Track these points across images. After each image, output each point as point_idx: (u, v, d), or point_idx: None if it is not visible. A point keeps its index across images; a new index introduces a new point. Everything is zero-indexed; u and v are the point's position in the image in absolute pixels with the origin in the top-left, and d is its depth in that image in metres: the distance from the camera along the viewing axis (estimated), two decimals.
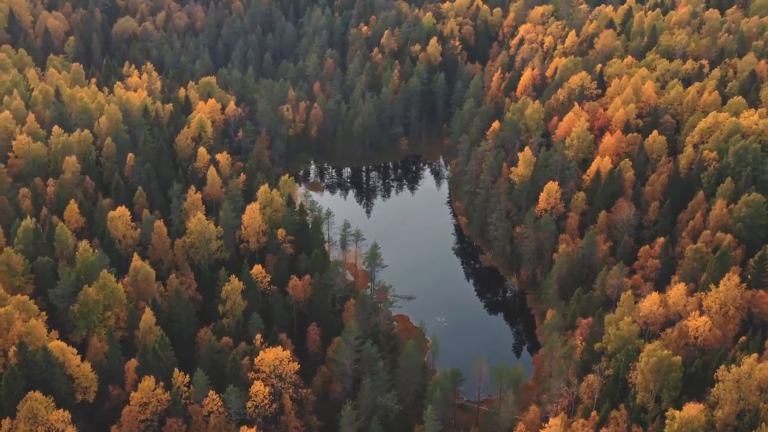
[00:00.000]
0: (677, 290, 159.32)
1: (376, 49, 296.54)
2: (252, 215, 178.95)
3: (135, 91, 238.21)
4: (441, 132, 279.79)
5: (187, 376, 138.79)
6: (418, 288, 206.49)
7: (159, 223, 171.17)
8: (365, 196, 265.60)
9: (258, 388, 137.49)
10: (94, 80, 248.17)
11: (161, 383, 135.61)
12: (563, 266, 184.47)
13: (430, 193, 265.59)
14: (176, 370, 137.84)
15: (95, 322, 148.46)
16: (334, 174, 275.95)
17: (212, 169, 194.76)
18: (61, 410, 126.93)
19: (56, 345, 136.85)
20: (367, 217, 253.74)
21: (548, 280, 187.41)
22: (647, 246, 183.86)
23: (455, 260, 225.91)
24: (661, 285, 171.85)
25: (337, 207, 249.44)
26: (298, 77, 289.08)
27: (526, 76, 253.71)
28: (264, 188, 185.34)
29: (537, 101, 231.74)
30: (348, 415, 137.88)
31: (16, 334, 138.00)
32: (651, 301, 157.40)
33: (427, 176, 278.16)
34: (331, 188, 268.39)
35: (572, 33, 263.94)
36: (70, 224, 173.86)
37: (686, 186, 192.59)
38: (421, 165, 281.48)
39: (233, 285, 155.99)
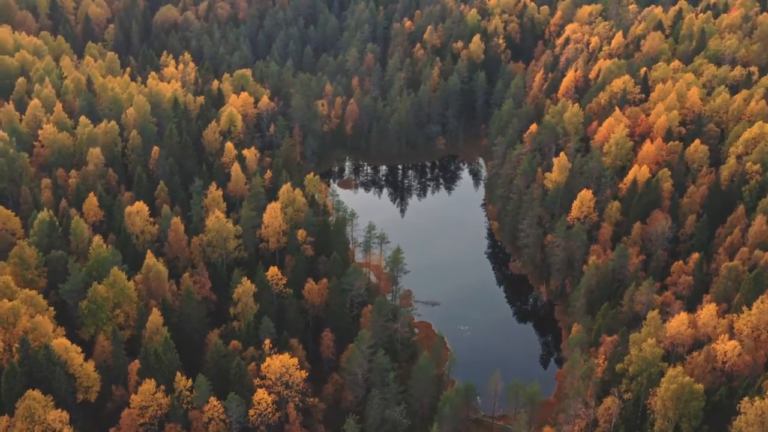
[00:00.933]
0: (707, 310, 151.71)
1: (418, 45, 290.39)
2: (273, 214, 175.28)
3: (169, 82, 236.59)
4: (479, 132, 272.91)
5: (190, 380, 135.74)
6: (445, 293, 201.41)
7: (176, 220, 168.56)
8: (400, 195, 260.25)
9: (261, 396, 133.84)
10: (128, 70, 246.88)
11: (162, 387, 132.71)
12: (592, 279, 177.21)
13: (467, 195, 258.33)
14: (179, 373, 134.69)
15: (103, 320, 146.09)
16: (369, 172, 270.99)
17: (236, 165, 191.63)
18: (59, 410, 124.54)
19: (59, 343, 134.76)
20: (401, 216, 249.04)
21: (576, 293, 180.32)
22: (681, 261, 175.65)
23: (486, 266, 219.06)
24: (693, 303, 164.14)
25: (371, 206, 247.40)
26: (337, 71, 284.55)
27: (569, 77, 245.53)
28: (286, 187, 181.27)
29: (577, 104, 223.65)
30: (350, 429, 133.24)
31: (22, 330, 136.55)
32: (679, 322, 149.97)
33: (464, 177, 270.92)
34: (366, 186, 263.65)
35: (619, 34, 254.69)
36: (88, 218, 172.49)
37: (726, 199, 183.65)
38: (459, 165, 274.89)
39: (244, 287, 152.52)
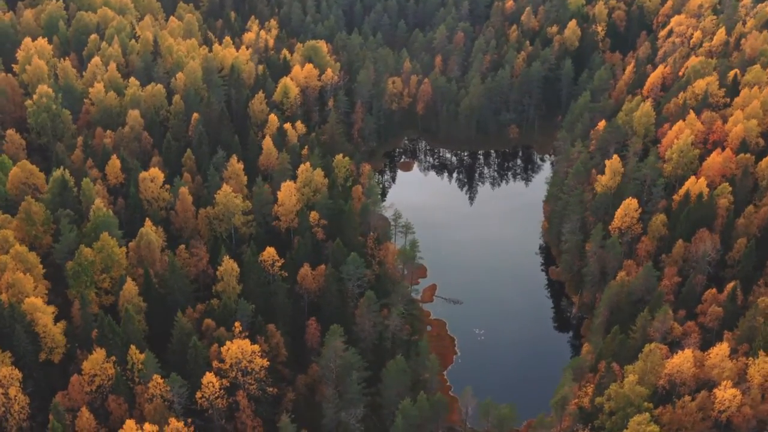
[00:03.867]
0: (719, 350, 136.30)
1: (514, 27, 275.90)
2: (287, 192, 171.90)
3: (238, 48, 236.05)
4: (557, 124, 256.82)
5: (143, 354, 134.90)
6: (478, 292, 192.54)
7: (183, 190, 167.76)
8: (469, 182, 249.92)
9: (209, 379, 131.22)
10: (200, 33, 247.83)
11: (113, 357, 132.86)
12: (614, 297, 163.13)
13: (538, 189, 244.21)
14: (133, 347, 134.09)
15: (87, 283, 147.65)
16: (443, 156, 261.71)
17: (268, 139, 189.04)
18: (11, 368, 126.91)
19: (31, 301, 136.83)
20: (469, 204, 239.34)
21: (598, 310, 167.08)
22: (714, 289, 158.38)
23: (531, 268, 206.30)
24: (720, 337, 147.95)
25: (440, 191, 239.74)
26: (423, 49, 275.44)
27: (656, 73, 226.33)
28: (305, 166, 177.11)
29: (648, 103, 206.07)
30: (284, 427, 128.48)
31: (4, 285, 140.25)
32: (682, 359, 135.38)
33: (545, 169, 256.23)
34: (439, 170, 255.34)
35: (721, 30, 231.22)
36: (110, 180, 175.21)
37: None
38: (536, 157, 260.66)
39: (226, 266, 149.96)
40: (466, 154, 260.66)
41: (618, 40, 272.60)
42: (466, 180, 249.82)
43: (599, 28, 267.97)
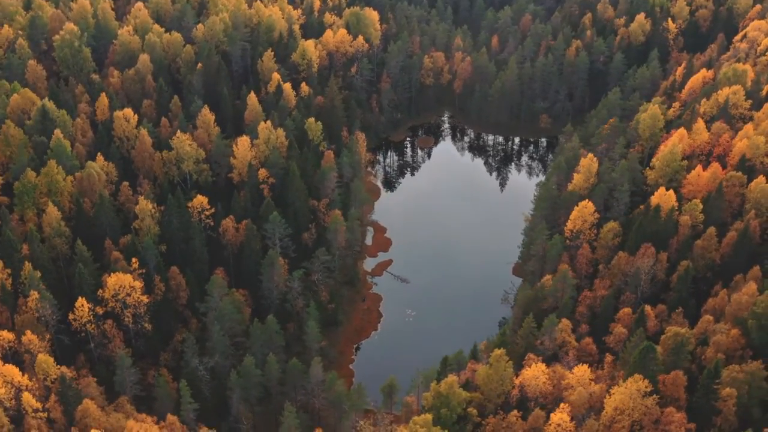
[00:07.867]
0: (580, 371, 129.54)
1: (588, 15, 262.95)
2: (243, 147, 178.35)
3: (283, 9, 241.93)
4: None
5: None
6: (439, 276, 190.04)
7: (143, 132, 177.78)
8: (498, 168, 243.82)
9: (80, 303, 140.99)
10: None
11: (8, 270, 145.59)
12: (525, 299, 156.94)
13: None
14: (27, 263, 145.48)
15: (27, 203, 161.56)
16: (478, 136, 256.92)
17: (252, 95, 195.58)
18: None
19: None
20: (500, 191, 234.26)
21: (514, 311, 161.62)
22: (628, 309, 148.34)
23: (503, 262, 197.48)
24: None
25: (457, 171, 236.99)
26: (489, 28, 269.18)
27: (696, 77, 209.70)
28: (265, 124, 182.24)
29: (656, 107, 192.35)
30: (120, 359, 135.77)
31: None
32: (536, 372, 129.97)
33: None
34: (468, 150, 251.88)
35: None
36: (98, 116, 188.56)
37: (754, 254, 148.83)
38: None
39: (142, 206, 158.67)
40: (499, 138, 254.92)
41: (698, 40, 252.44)
42: (494, 164, 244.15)
43: (672, 25, 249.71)
